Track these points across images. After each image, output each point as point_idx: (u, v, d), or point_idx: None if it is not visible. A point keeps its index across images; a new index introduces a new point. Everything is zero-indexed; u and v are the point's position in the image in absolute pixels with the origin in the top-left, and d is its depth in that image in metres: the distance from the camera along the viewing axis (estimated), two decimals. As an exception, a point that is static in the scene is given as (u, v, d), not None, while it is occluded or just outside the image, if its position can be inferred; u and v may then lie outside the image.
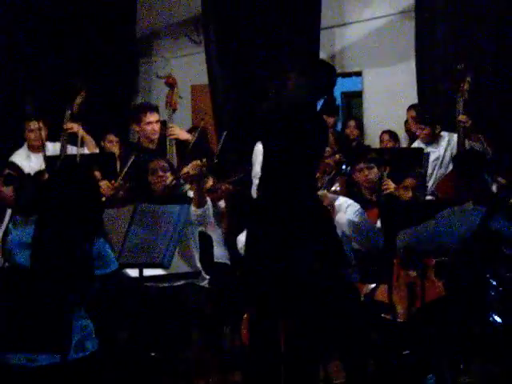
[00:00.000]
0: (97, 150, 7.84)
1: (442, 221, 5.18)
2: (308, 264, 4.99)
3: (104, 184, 6.42)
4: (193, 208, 5.74)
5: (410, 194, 6.29)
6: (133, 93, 10.71)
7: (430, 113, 7.94)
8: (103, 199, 6.34)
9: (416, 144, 7.87)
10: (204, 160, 5.84)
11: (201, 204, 5.81)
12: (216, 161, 6.40)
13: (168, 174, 6.07)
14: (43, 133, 7.74)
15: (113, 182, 6.47)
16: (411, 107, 8.53)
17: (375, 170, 6.63)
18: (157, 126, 7.03)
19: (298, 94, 5.06)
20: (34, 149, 7.80)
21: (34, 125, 7.76)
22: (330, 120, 8.59)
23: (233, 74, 8.92)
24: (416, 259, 5.50)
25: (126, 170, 6.53)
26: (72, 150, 7.60)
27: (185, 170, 6.18)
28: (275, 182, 5.03)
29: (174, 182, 6.07)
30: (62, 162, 7.16)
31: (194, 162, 5.86)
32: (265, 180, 5.11)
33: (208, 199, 5.95)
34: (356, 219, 5.87)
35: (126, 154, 7.09)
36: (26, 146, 7.89)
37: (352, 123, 9.31)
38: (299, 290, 4.95)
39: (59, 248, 4.14)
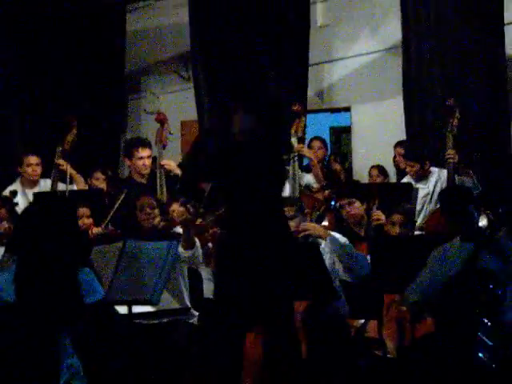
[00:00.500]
0: (86, 187, 7.83)
1: (433, 263, 5.19)
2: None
3: (91, 220, 6.46)
4: (182, 249, 5.73)
5: (397, 229, 6.28)
6: (122, 129, 10.72)
7: (418, 149, 7.96)
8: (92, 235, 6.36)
9: (405, 180, 7.88)
10: (189, 207, 5.86)
11: (189, 246, 5.80)
12: (202, 205, 6.40)
13: (156, 211, 6.07)
14: (40, 168, 7.76)
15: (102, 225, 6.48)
16: (398, 144, 8.56)
17: (357, 203, 6.61)
18: (148, 161, 7.08)
19: (244, 131, 5.07)
20: (28, 184, 7.78)
21: (34, 160, 7.76)
22: (320, 154, 8.61)
23: (221, 110, 8.94)
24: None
25: (117, 206, 6.54)
26: (63, 187, 7.61)
27: (174, 207, 6.20)
28: (239, 220, 5.01)
29: (162, 223, 6.08)
30: (36, 197, 7.17)
31: (180, 209, 5.89)
32: (229, 218, 5.10)
33: (197, 240, 5.95)
34: (343, 243, 5.87)
35: (115, 190, 7.11)
36: (18, 181, 7.85)
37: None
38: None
39: (41, 281, 4.13)
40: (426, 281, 5.19)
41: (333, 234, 5.93)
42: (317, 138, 8.93)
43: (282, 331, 4.96)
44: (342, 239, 5.91)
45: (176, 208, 6.37)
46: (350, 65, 9.71)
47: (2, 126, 9.39)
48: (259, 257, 4.90)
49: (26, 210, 4.65)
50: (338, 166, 9.13)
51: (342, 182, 8.69)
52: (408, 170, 7.76)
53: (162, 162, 7.09)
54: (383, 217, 6.50)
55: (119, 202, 6.54)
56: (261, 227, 4.95)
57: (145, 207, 6.07)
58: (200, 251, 5.94)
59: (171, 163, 7.16)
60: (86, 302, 4.17)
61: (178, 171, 7.18)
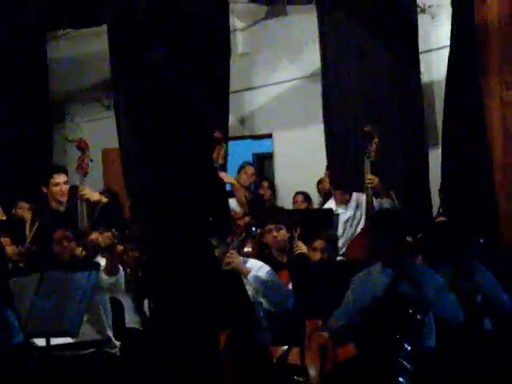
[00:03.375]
0: (3, 218, 7.70)
1: (355, 287, 5.22)
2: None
3: (11, 249, 6.34)
4: (105, 276, 5.67)
5: (319, 255, 6.32)
6: (47, 157, 10.59)
7: (346, 177, 8.06)
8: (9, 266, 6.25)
9: (329, 204, 7.95)
10: (114, 231, 5.80)
11: (113, 272, 5.74)
12: (127, 232, 6.35)
13: (72, 243, 5.99)
14: None
15: (20, 248, 6.38)
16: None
17: (284, 231, 6.66)
18: (64, 187, 7.00)
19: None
20: None
21: None
22: (252, 180, 8.65)
23: (142, 138, 8.89)
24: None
25: (32, 234, 6.46)
26: None
27: (93, 236, 6.13)
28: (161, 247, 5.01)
29: (84, 253, 6.01)
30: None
31: (105, 234, 5.83)
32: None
33: (120, 267, 5.89)
34: (267, 279, 5.87)
35: (34, 219, 7.03)
36: None
37: (265, 184, 9.34)
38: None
39: None
40: (350, 304, 5.22)
41: (255, 266, 5.92)
42: (249, 163, 8.98)
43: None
44: (264, 273, 5.90)
45: (96, 236, 6.29)
46: (270, 92, 9.81)
47: None
48: (183, 285, 4.89)
49: None
50: (267, 192, 9.15)
51: (267, 207, 8.73)
52: (337, 197, 7.81)
53: (81, 191, 7.01)
54: (304, 247, 6.54)
55: (32, 233, 6.46)
56: (184, 255, 4.94)
57: (61, 240, 5.99)
58: (123, 277, 5.89)
59: (88, 191, 7.08)
60: (13, 343, 4.09)
61: (97, 198, 7.12)
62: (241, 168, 8.78)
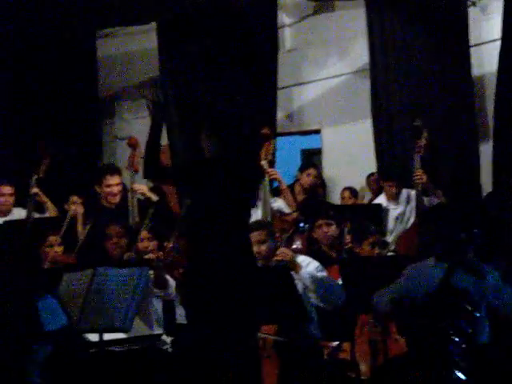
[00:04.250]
0: (56, 214, 7.80)
1: (408, 277, 5.19)
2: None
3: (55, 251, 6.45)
4: (154, 289, 5.71)
5: (369, 250, 6.30)
6: (98, 154, 10.69)
7: (393, 168, 8.01)
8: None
9: (379, 200, 7.92)
10: (170, 247, 5.85)
11: (162, 287, 5.79)
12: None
13: (123, 240, 6.03)
14: (13, 198, 7.74)
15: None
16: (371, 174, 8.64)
17: (334, 226, 6.66)
18: (116, 189, 7.05)
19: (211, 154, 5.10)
20: (0, 213, 7.74)
21: (6, 190, 7.72)
22: (313, 182, 8.54)
23: (191, 134, 8.95)
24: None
25: (83, 238, 6.54)
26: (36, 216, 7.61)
27: (143, 234, 6.19)
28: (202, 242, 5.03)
29: (132, 255, 6.04)
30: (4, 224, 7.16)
31: (146, 245, 5.89)
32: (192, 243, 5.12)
33: (169, 279, 5.91)
34: (317, 275, 5.87)
35: (87, 214, 7.12)
36: None
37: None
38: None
39: None
40: (399, 290, 5.16)
41: (304, 262, 5.91)
42: (313, 164, 8.82)
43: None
44: (314, 269, 5.89)
45: (145, 235, 6.34)
46: (319, 87, 9.77)
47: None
48: (223, 283, 4.91)
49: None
50: (319, 189, 9.05)
51: (317, 203, 8.67)
52: (386, 190, 7.78)
53: (134, 187, 7.10)
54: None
55: (85, 233, 6.53)
56: (224, 250, 4.96)
57: (112, 236, 6.04)
58: (173, 290, 5.91)
59: (143, 188, 7.17)
60: (49, 330, 4.14)
61: (150, 195, 7.20)
62: (304, 168, 8.54)
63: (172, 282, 5.89)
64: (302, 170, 8.50)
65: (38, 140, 8.24)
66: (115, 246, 6.02)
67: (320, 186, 9.03)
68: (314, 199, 8.50)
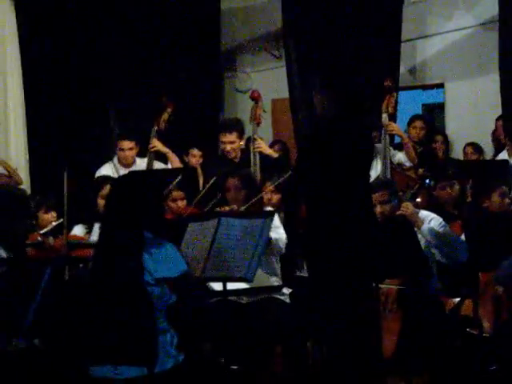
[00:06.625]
0: (180, 166, 7.92)
1: None
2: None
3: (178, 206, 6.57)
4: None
5: (493, 206, 6.19)
6: (218, 107, 10.78)
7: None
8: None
9: (501, 156, 7.75)
10: None
11: None
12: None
13: (242, 192, 6.06)
14: (134, 152, 7.91)
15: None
16: (500, 117, 8.40)
17: (457, 186, 6.58)
18: (229, 147, 7.07)
19: (324, 110, 5.04)
20: (123, 165, 7.93)
21: (126, 145, 7.90)
22: (421, 135, 8.50)
23: (312, 88, 8.90)
24: None
25: (204, 191, 6.61)
26: (159, 166, 7.76)
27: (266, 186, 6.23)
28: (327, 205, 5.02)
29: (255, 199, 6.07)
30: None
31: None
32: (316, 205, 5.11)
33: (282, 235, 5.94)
34: (440, 231, 5.81)
35: (209, 169, 7.21)
36: (115, 160, 8.01)
37: (439, 138, 9.05)
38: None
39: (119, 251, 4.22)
40: None
41: (427, 217, 5.85)
42: (418, 117, 8.82)
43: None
44: (437, 225, 5.83)
45: (269, 188, 6.37)
46: (444, 40, 9.58)
47: (99, 109, 9.53)
48: (345, 238, 4.92)
49: (114, 183, 4.81)
50: (441, 146, 8.91)
51: (439, 160, 8.56)
52: (509, 146, 7.60)
53: (256, 144, 7.12)
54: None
55: (208, 186, 6.60)
56: (346, 207, 4.95)
57: (231, 188, 6.08)
58: (284, 246, 5.94)
59: (262, 145, 7.17)
60: (170, 276, 4.24)
61: (270, 152, 7.22)
62: (410, 122, 8.63)
63: (284, 239, 5.90)
64: (408, 124, 8.54)
65: (159, 92, 8.37)
66: (233, 199, 6.06)
67: (442, 142, 8.91)
68: (430, 152, 8.44)
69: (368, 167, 5.34)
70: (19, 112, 8.77)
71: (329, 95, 5.10)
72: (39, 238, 6.06)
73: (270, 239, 5.55)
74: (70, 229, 6.37)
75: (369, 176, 5.37)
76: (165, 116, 7.78)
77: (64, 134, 9.15)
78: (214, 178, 6.59)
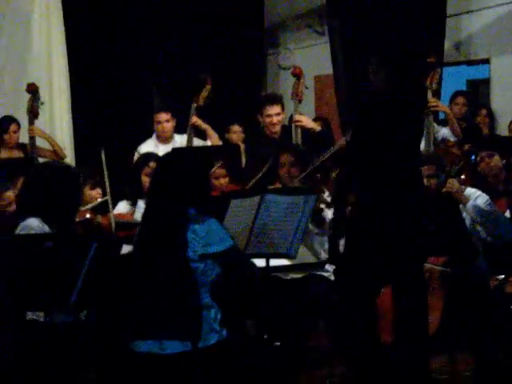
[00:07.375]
0: (220, 143, 7.93)
1: None
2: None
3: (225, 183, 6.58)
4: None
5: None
6: (261, 83, 10.77)
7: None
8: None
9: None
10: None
11: (319, 225, 5.83)
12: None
13: (295, 168, 6.04)
14: (171, 124, 7.91)
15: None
16: None
17: (497, 157, 6.49)
18: (276, 119, 7.07)
19: (379, 84, 5.01)
20: (162, 140, 7.96)
21: (162, 117, 7.92)
22: (464, 111, 8.45)
23: (356, 65, 8.85)
24: None
25: (260, 175, 6.59)
26: (198, 142, 7.76)
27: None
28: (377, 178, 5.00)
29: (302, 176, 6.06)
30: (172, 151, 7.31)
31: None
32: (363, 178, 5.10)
33: (327, 217, 5.93)
34: (486, 208, 5.76)
35: (252, 146, 7.20)
36: (154, 136, 8.04)
37: (483, 111, 8.98)
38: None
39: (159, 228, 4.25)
40: None
41: (473, 194, 5.81)
42: (460, 93, 8.74)
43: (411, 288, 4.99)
44: (482, 202, 5.79)
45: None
46: (490, 15, 9.45)
47: (141, 85, 9.57)
48: (392, 213, 4.91)
49: (161, 160, 4.83)
50: (486, 120, 8.83)
51: (482, 135, 8.48)
52: None
53: (296, 118, 7.11)
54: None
55: (264, 170, 6.58)
56: (396, 183, 4.94)
57: (286, 164, 6.07)
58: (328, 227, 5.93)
59: (303, 119, 7.16)
60: (215, 251, 4.25)
61: (312, 126, 7.19)
62: (452, 98, 8.56)
63: (328, 220, 5.90)
64: (450, 100, 8.46)
65: (200, 68, 8.37)
66: (287, 175, 6.06)
67: (486, 116, 8.83)
68: (474, 127, 8.37)
69: (418, 142, 5.35)
70: (64, 91, 8.83)
71: (387, 70, 5.09)
72: (87, 215, 6.11)
73: (324, 219, 5.57)
74: (114, 205, 6.42)
75: (419, 150, 5.37)
76: (204, 93, 7.77)
77: (107, 112, 9.22)
78: (270, 161, 6.55)
